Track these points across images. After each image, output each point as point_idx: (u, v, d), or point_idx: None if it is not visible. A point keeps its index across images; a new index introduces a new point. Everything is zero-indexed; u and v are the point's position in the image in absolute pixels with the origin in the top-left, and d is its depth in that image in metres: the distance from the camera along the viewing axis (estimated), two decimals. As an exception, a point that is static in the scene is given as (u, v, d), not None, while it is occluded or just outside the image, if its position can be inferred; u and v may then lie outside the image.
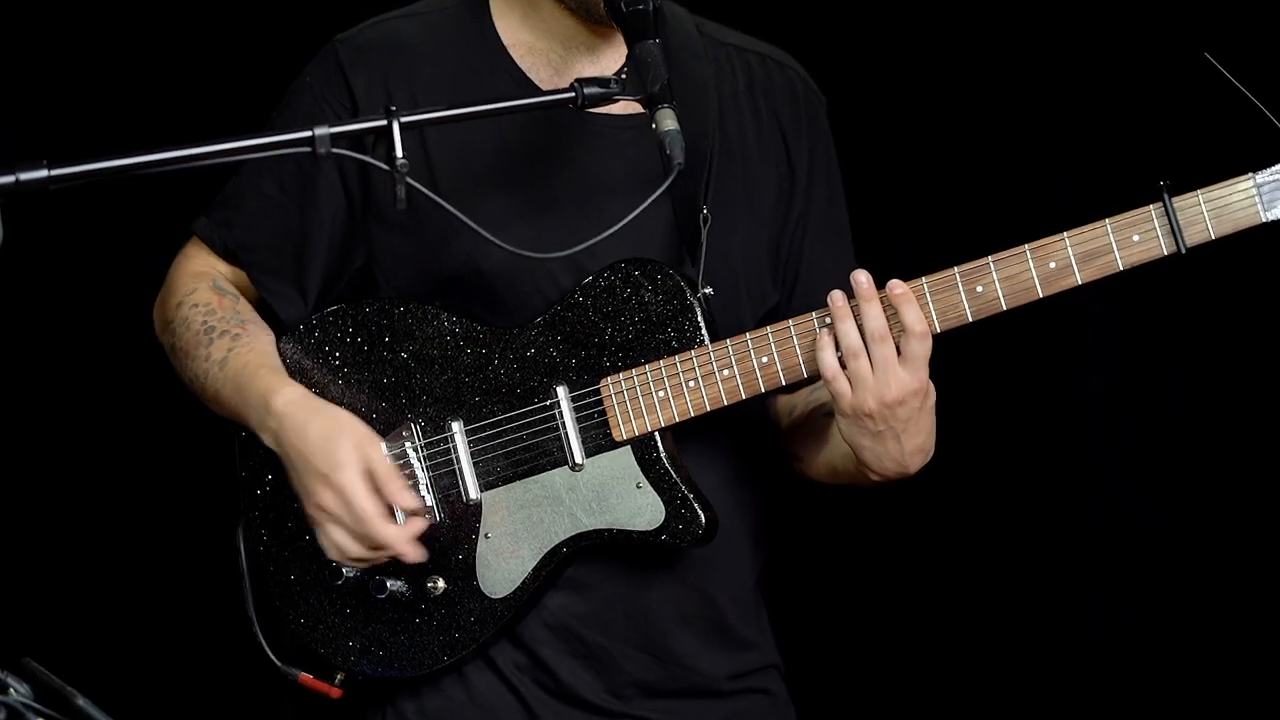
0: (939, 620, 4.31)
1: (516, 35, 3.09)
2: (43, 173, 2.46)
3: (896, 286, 2.85)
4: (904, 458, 2.92)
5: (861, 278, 2.87)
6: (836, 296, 2.88)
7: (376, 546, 2.90)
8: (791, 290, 3.16)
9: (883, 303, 2.85)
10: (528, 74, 3.07)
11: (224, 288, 3.13)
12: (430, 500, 3.04)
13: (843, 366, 2.87)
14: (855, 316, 2.86)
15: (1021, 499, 4.23)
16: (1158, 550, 4.18)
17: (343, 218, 3.10)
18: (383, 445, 2.96)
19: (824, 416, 3.09)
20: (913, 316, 2.84)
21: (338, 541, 2.91)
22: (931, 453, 2.97)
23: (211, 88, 4.20)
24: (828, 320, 2.91)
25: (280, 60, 3.29)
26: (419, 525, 2.93)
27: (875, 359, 2.85)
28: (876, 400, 2.85)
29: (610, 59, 3.08)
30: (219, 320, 3.08)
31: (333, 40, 3.12)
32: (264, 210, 3.11)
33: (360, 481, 2.88)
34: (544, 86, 3.06)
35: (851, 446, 2.93)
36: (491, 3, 3.11)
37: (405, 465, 3.03)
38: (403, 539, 2.90)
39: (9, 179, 2.44)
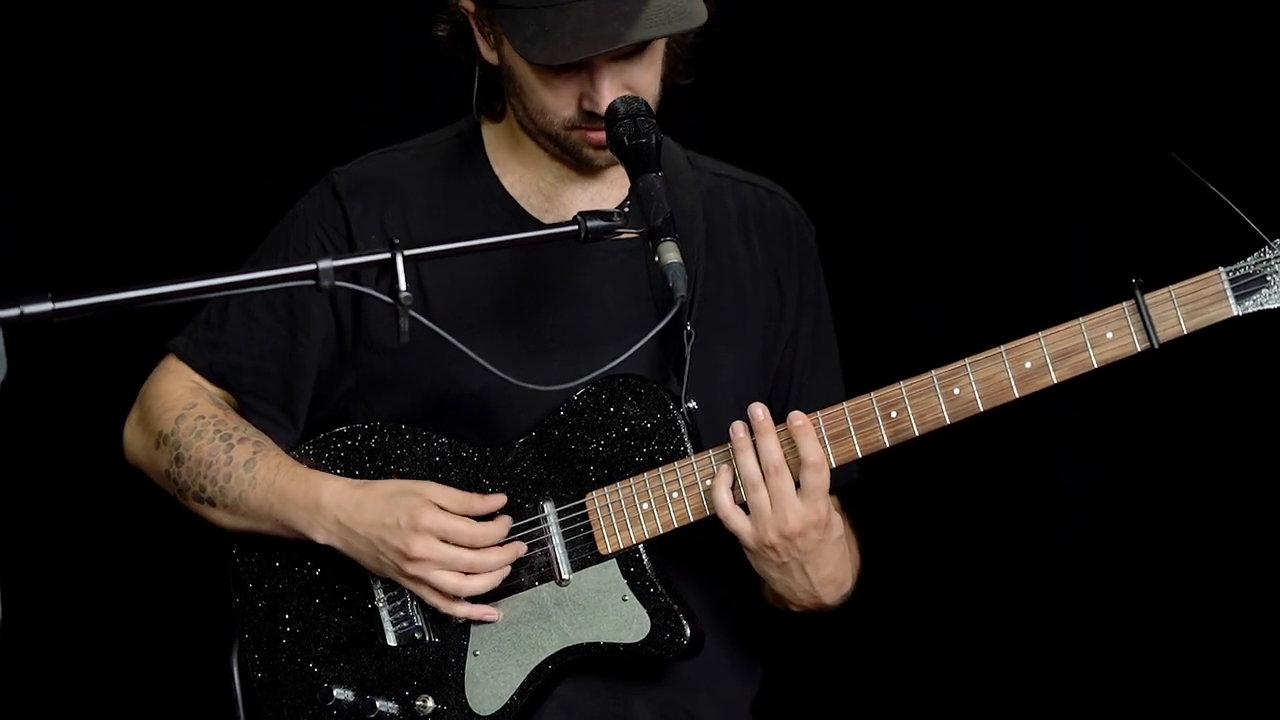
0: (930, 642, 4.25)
1: (509, 166, 3.15)
2: (47, 306, 2.47)
3: (796, 419, 2.91)
4: (814, 588, 2.98)
5: (759, 411, 2.92)
6: (737, 428, 2.93)
7: (479, 570, 2.95)
8: (781, 414, 3.17)
9: (780, 435, 2.91)
10: (520, 203, 3.13)
11: (222, 403, 3.17)
12: (419, 620, 3.05)
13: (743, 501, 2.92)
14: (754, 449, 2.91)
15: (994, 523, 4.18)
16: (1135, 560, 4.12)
17: (332, 344, 3.14)
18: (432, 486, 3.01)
19: None
20: (809, 448, 2.89)
21: (447, 584, 2.96)
22: (849, 585, 3.04)
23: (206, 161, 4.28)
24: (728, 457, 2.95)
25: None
26: (506, 521, 3.01)
27: (773, 491, 2.90)
28: (776, 532, 2.90)
29: (600, 188, 3.14)
30: (233, 429, 3.11)
31: (330, 172, 3.19)
32: (252, 334, 3.15)
33: (442, 514, 2.95)
34: (537, 215, 3.12)
35: (763, 578, 2.99)
36: (485, 135, 3.18)
37: (395, 586, 3.05)
38: (503, 533, 2.99)
39: (13, 312, 2.44)
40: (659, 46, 3.00)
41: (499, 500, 3.02)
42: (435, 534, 2.94)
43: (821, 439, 2.92)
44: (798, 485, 2.90)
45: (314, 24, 4.20)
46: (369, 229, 3.10)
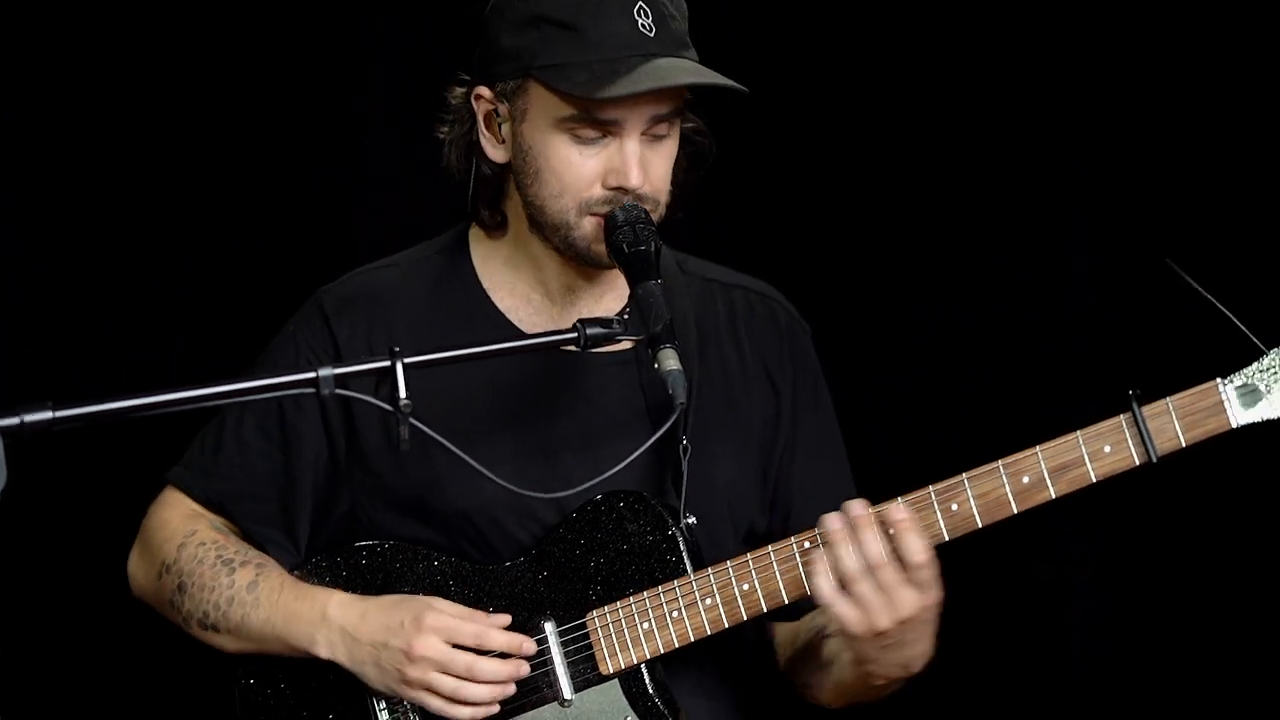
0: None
1: (498, 278, 3.16)
2: (47, 415, 2.46)
3: (897, 511, 2.83)
4: (911, 662, 2.91)
5: (856, 508, 2.85)
6: (830, 520, 2.87)
7: (478, 676, 2.93)
8: (786, 516, 3.17)
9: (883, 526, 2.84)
10: (507, 315, 3.14)
11: (222, 529, 3.18)
12: None
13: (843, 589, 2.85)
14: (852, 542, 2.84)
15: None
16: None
17: (325, 462, 3.14)
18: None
19: (823, 639, 3.07)
20: (914, 548, 2.81)
21: (453, 690, 2.94)
22: (932, 648, 2.93)
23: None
24: (807, 544, 2.91)
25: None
26: (519, 638, 2.99)
27: (881, 583, 2.82)
28: (891, 620, 2.82)
29: (588, 299, 3.14)
30: (235, 554, 3.12)
31: (317, 291, 3.21)
32: (246, 459, 3.17)
33: (446, 615, 2.95)
34: (524, 328, 3.12)
35: (860, 659, 2.90)
36: (472, 248, 3.19)
37: (399, 706, 3.03)
38: (509, 642, 2.97)
39: (13, 421, 2.43)
40: (675, 135, 3.02)
41: (503, 620, 3.01)
42: (440, 634, 2.94)
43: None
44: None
45: (314, 23, 4.23)
46: (357, 349, 3.11)
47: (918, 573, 2.81)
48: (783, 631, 3.19)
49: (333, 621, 3.00)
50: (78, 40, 4.19)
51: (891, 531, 2.82)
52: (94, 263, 4.19)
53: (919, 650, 2.89)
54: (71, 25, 4.18)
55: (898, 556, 2.81)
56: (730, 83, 2.96)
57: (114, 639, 4.14)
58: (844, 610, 2.84)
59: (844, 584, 2.84)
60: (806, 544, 2.92)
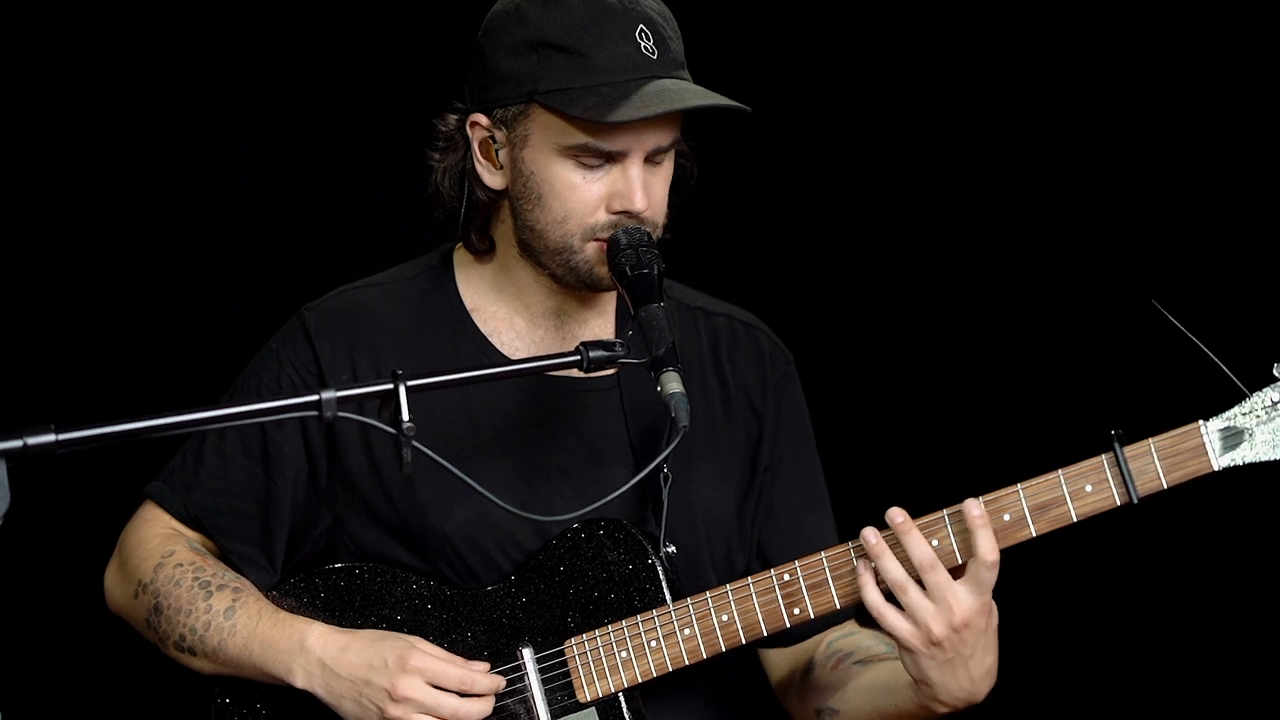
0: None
1: (482, 301, 3.15)
2: (50, 437, 2.46)
3: (974, 507, 2.80)
4: (974, 684, 2.86)
5: (897, 515, 2.83)
6: (869, 534, 2.85)
7: (461, 718, 2.92)
8: (764, 544, 3.17)
9: (954, 526, 2.83)
10: (490, 339, 3.13)
11: (200, 549, 3.16)
12: None
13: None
14: (893, 550, 2.83)
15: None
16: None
17: (305, 483, 3.13)
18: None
19: (856, 665, 3.07)
20: (986, 545, 2.79)
21: None
22: (995, 673, 2.89)
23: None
24: (786, 576, 2.90)
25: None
26: (499, 679, 2.99)
27: (930, 586, 2.81)
28: (944, 626, 2.80)
29: (575, 323, 3.14)
30: (212, 576, 3.10)
31: (301, 309, 3.20)
32: (227, 474, 3.15)
33: (430, 656, 2.93)
34: (506, 352, 3.11)
35: (921, 681, 2.86)
36: (457, 270, 3.18)
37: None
38: (488, 681, 2.96)
39: (16, 443, 2.44)
40: (672, 157, 3.02)
41: (482, 667, 2.99)
42: (423, 675, 2.92)
43: (825, 581, 2.88)
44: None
45: (314, 24, 4.23)
46: (339, 368, 3.10)
47: (982, 572, 2.79)
48: (779, 657, 3.19)
49: (311, 653, 2.99)
50: (82, 50, 4.17)
51: (943, 535, 2.82)
52: (98, 268, 4.18)
53: (982, 668, 2.84)
54: (75, 34, 4.16)
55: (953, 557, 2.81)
56: (736, 104, 2.96)
57: (91, 653, 4.13)
58: (896, 622, 2.82)
59: (895, 595, 2.83)
60: (786, 576, 2.92)
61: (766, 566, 3.01)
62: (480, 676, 2.96)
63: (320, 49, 4.23)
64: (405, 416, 2.64)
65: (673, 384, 2.82)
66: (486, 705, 2.96)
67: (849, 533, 2.91)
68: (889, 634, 2.84)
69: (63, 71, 4.14)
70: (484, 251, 3.13)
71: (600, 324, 3.16)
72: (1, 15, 4.06)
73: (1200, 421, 2.77)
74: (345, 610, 3.08)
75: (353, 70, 4.24)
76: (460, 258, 3.19)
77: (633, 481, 2.82)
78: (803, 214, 4.25)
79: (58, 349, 4.17)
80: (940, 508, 2.85)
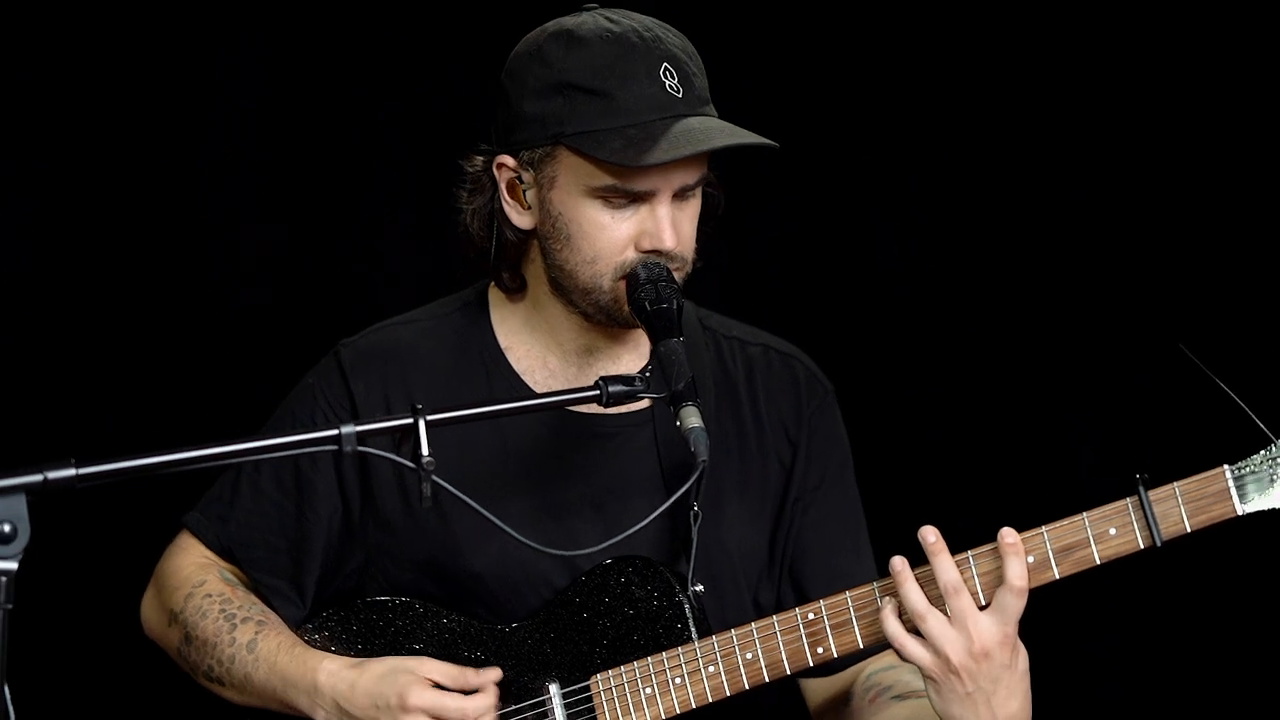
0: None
1: (515, 339, 3.18)
2: (70, 472, 2.48)
3: (1009, 535, 2.81)
4: None
5: (930, 535, 2.84)
6: (896, 562, 2.86)
7: None
8: (797, 574, 3.17)
9: (978, 566, 2.83)
10: (522, 377, 3.15)
11: (231, 580, 3.20)
12: None
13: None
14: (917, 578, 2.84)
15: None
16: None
17: (339, 520, 3.17)
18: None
19: (893, 699, 3.07)
20: (1016, 571, 2.79)
21: None
22: None
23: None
24: (811, 615, 2.91)
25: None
26: (494, 690, 3.00)
27: (954, 611, 2.81)
28: (963, 653, 2.80)
29: (606, 360, 3.16)
30: (238, 609, 3.14)
31: (337, 344, 3.24)
32: (261, 508, 3.19)
33: (431, 691, 2.94)
34: (537, 389, 3.14)
35: (945, 716, 2.85)
36: (491, 307, 3.21)
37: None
38: (491, 703, 2.98)
39: (37, 478, 2.45)
40: (699, 192, 3.03)
41: (494, 674, 3.01)
42: (425, 711, 2.94)
43: (849, 621, 2.89)
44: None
45: (314, 24, 4.26)
46: (374, 405, 3.14)
47: (1009, 598, 2.78)
48: (818, 686, 3.19)
49: (324, 691, 3.02)
50: (86, 55, 4.20)
51: (968, 576, 2.81)
52: (101, 272, 4.22)
53: (1007, 710, 2.82)
54: (80, 40, 4.20)
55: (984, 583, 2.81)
56: (765, 141, 2.97)
57: (128, 681, 4.17)
58: (915, 650, 2.83)
59: (915, 622, 2.83)
60: (810, 615, 2.93)
61: (801, 596, 3.03)
62: (480, 708, 2.96)
63: (320, 49, 4.26)
64: (425, 451, 2.65)
65: (692, 419, 2.83)
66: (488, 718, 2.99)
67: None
68: (914, 662, 2.84)
69: (63, 71, 4.18)
70: (516, 290, 3.16)
71: (633, 360, 3.18)
72: (1, 15, 4.11)
73: (1225, 466, 2.77)
74: (376, 644, 3.11)
75: (353, 70, 4.27)
76: (495, 295, 3.22)
77: (652, 516, 2.82)
78: (801, 213, 4.27)
79: (58, 349, 4.21)
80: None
